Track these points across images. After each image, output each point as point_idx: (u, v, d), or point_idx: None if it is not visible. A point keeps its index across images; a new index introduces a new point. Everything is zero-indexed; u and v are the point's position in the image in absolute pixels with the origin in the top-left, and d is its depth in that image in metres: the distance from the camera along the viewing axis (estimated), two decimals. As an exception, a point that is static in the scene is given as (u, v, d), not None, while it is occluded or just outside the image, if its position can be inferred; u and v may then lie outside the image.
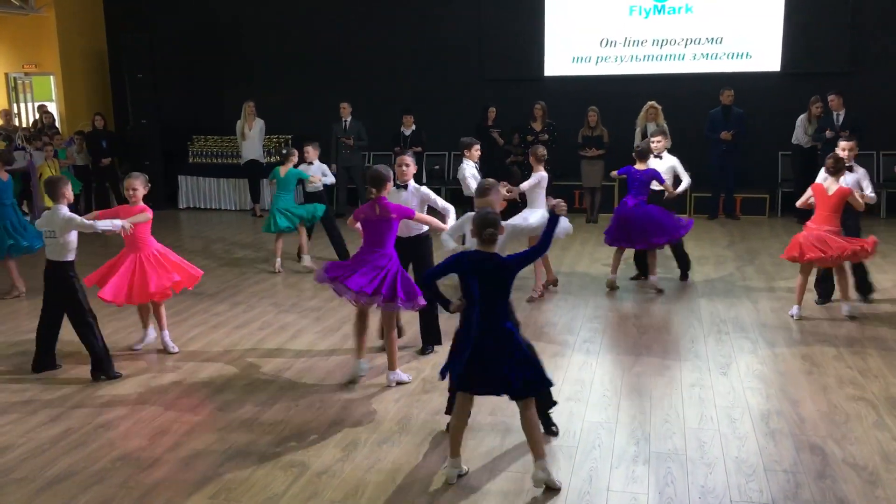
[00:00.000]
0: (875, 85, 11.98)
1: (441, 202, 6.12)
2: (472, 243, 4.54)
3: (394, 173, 5.92)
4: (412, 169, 6.12)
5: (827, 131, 10.87)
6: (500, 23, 13.25)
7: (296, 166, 9.34)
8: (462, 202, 9.19)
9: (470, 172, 7.80)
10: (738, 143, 11.76)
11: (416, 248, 6.12)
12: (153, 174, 13.93)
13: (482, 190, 4.94)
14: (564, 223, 6.93)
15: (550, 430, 4.83)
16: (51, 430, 5.02)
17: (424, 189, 6.14)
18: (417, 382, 5.73)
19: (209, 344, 6.66)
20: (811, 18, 12.24)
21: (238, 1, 14.34)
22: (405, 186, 6.08)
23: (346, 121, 12.64)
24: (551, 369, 5.90)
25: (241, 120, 13.13)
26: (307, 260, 9.37)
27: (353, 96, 12.87)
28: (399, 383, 5.67)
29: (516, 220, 7.31)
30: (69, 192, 5.96)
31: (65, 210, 5.86)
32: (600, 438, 4.80)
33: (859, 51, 12.24)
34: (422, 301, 5.46)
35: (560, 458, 4.55)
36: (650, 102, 11.62)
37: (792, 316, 7.06)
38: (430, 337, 6.38)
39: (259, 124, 13.23)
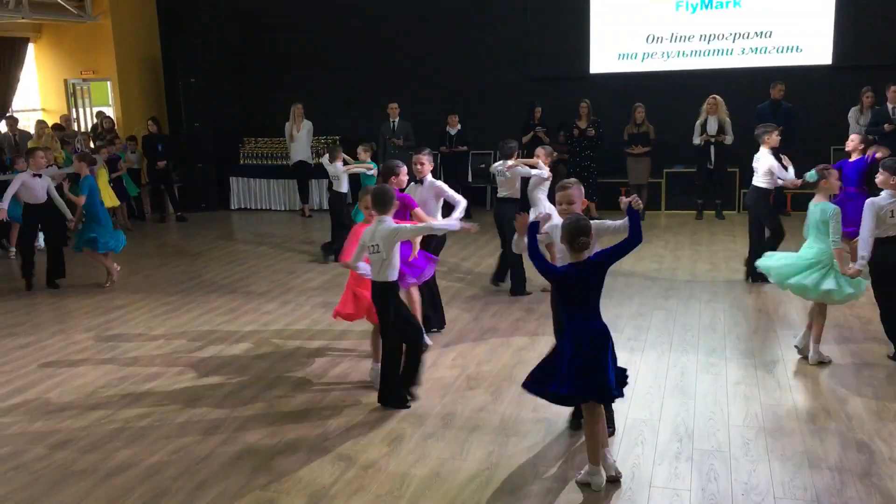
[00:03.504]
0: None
1: (453, 194, 6.62)
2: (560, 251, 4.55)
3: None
4: (427, 167, 6.77)
5: (886, 125, 10.65)
6: (545, 21, 13.26)
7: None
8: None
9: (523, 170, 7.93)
10: (788, 138, 11.58)
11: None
12: (206, 176, 14.40)
13: (562, 185, 4.83)
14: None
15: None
16: (109, 424, 5.23)
17: (438, 183, 6.74)
18: (462, 379, 5.82)
19: (259, 342, 6.84)
20: (863, 10, 11.99)
21: (286, 4, 14.59)
22: (421, 182, 6.69)
23: (394, 121, 12.79)
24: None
25: (290, 122, 13.37)
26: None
27: (400, 96, 13.01)
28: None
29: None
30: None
31: (390, 222, 5.25)
32: (643, 435, 4.82)
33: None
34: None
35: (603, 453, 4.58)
36: (712, 95, 11.54)
37: None
38: (437, 319, 6.89)
39: (307, 126, 13.46)
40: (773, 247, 7.76)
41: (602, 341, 4.21)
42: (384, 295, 5.23)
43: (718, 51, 12.75)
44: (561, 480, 4.30)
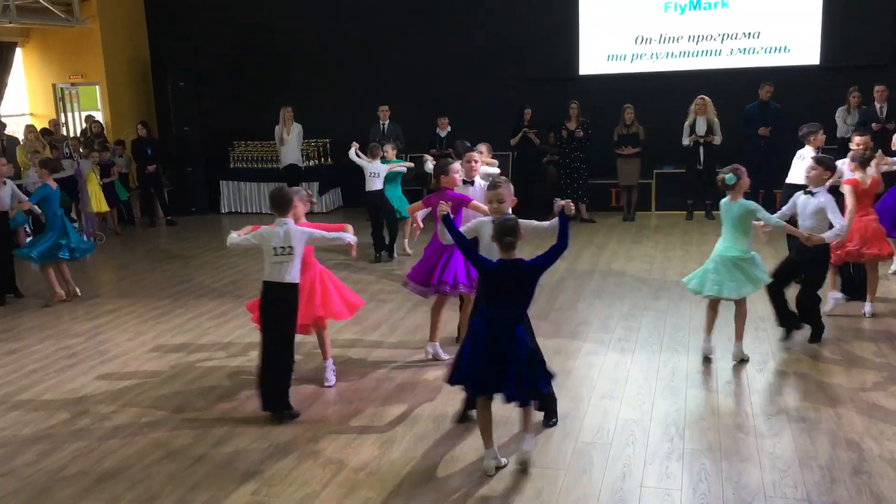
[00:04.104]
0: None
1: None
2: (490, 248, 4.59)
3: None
4: (479, 165, 6.44)
5: (874, 124, 10.70)
6: (534, 23, 13.27)
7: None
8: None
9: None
10: (777, 138, 11.63)
11: None
12: (196, 180, 14.37)
13: (492, 184, 4.92)
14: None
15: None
16: (98, 430, 5.21)
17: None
18: (453, 381, 5.81)
19: (250, 345, 6.81)
20: (850, 10, 12.06)
21: (273, 8, 14.57)
22: (472, 183, 6.31)
23: (384, 123, 12.79)
24: (586, 368, 6.00)
25: (280, 125, 13.34)
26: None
27: (389, 99, 13.00)
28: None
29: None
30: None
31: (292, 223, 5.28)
32: (634, 436, 4.83)
33: (901, 42, 12.04)
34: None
35: (594, 454, 4.60)
36: (700, 96, 11.60)
37: (865, 313, 6.97)
38: None
39: (297, 129, 13.43)
40: None
41: (516, 338, 4.26)
42: (287, 296, 5.17)
43: (707, 52, 12.80)
44: (550, 477, 4.31)
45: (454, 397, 5.48)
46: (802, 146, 8.16)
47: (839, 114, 11.50)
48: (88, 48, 14.70)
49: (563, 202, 4.46)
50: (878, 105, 11.04)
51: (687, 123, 11.74)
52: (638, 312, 7.37)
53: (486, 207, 6.06)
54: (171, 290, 8.94)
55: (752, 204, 5.83)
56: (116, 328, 7.54)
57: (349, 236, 5.48)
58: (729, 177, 5.77)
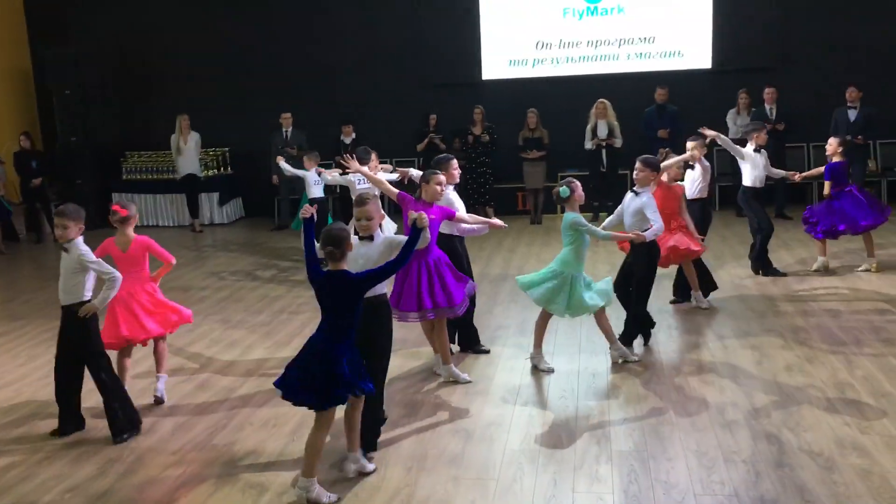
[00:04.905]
0: (802, 79, 12.30)
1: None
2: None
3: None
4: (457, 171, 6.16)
5: (765, 123, 11.09)
6: (435, 28, 13.23)
7: None
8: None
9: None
10: (675, 140, 11.94)
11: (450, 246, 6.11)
12: (86, 193, 13.63)
13: (361, 200, 4.69)
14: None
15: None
16: (-8, 464, 4.80)
17: (452, 196, 6.06)
18: (374, 393, 5.65)
19: (152, 366, 6.45)
20: (739, 16, 12.52)
21: (162, 13, 14.00)
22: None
23: (287, 131, 12.50)
24: (507, 372, 5.94)
25: (176, 134, 12.82)
26: None
27: (291, 106, 12.71)
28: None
29: None
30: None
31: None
32: (561, 440, 4.79)
33: (787, 46, 12.58)
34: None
35: (523, 462, 4.53)
36: (600, 100, 11.79)
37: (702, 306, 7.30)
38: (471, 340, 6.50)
39: (195, 138, 12.94)
40: (764, 242, 8.26)
41: (326, 353, 4.12)
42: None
43: (605, 56, 13.05)
44: (482, 487, 4.21)
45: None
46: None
47: (730, 116, 11.92)
48: (-37, 56, 13.80)
49: (415, 214, 4.29)
50: (767, 107, 11.49)
51: (589, 127, 11.94)
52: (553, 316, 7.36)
53: (469, 218, 5.94)
54: (57, 311, 8.39)
55: (570, 219, 5.80)
56: (8, 352, 7.03)
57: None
58: (563, 190, 5.81)
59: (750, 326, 6.77)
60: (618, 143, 11.88)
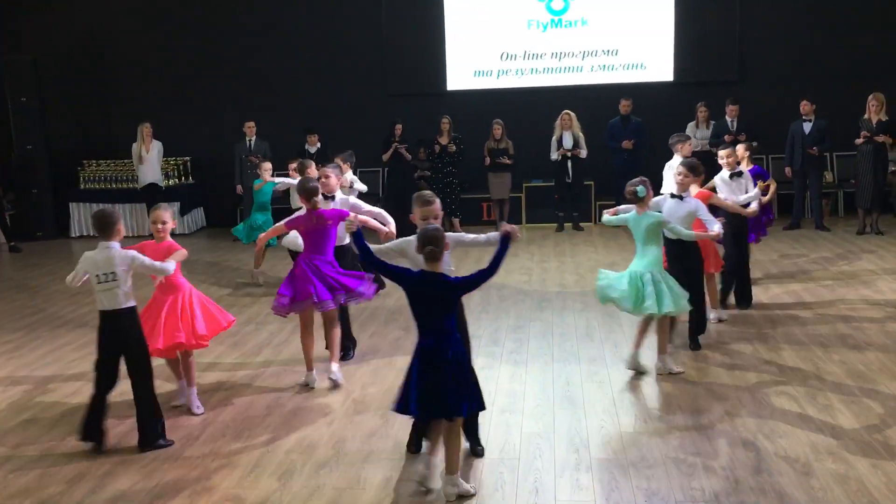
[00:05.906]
0: (762, 92, 12.56)
1: (370, 208, 6.23)
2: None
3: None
4: (335, 181, 6.29)
5: (726, 136, 11.31)
6: (401, 38, 13.23)
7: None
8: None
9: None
10: (639, 151, 12.09)
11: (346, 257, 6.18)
12: (42, 202, 13.33)
13: (426, 200, 4.73)
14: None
15: (476, 450, 4.72)
16: (-46, 481, 4.63)
17: (353, 199, 6.34)
18: (349, 403, 5.59)
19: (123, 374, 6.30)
20: (700, 30, 12.75)
21: (125, 19, 13.77)
22: (332, 198, 6.19)
23: (251, 140, 12.36)
24: (482, 382, 5.83)
25: (138, 142, 12.58)
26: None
27: (255, 115, 12.59)
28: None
29: None
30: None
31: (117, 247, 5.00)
32: (540, 449, 4.77)
33: (747, 59, 12.83)
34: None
35: (503, 471, 4.50)
36: (565, 111, 11.87)
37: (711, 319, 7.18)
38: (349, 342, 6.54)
39: (157, 146, 12.72)
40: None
41: (448, 358, 4.09)
42: (128, 322, 4.93)
43: (569, 68, 13.17)
44: (468, 501, 4.17)
45: (351, 421, 5.27)
46: (663, 159, 8.36)
47: (689, 128, 12.09)
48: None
49: (509, 227, 4.36)
50: (728, 119, 11.69)
51: (554, 138, 12.02)
52: (525, 324, 7.38)
53: (373, 221, 5.93)
54: (22, 321, 8.18)
55: (660, 215, 5.89)
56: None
57: (170, 265, 5.28)
58: (640, 189, 5.83)
59: (721, 335, 6.84)
60: (583, 153, 11.98)
